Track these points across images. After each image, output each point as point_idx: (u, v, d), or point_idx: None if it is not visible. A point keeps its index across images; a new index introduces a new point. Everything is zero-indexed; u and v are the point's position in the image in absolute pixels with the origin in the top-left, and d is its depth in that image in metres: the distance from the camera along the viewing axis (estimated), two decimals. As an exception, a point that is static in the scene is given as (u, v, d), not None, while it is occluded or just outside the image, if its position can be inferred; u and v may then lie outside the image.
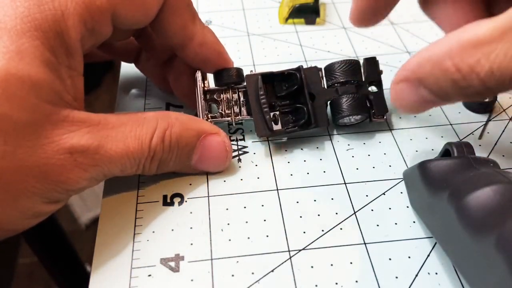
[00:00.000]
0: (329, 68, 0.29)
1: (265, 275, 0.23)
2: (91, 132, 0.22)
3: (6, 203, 0.20)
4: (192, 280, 0.23)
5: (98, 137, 0.22)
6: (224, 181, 0.27)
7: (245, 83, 0.29)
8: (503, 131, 0.30)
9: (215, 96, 0.29)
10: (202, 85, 0.28)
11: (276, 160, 0.28)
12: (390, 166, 0.28)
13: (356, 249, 0.24)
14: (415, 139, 0.29)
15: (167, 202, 0.26)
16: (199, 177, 0.27)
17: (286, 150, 0.29)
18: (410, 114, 0.27)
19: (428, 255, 0.24)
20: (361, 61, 0.30)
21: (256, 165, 0.28)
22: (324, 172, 0.28)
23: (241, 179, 0.27)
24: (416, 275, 0.23)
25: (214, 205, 0.26)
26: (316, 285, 0.22)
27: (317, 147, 0.29)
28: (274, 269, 0.23)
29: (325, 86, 0.29)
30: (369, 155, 0.29)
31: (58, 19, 0.21)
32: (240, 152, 0.29)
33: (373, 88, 0.30)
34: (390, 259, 0.23)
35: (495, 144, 0.29)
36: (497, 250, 0.18)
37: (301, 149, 0.29)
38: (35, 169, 0.20)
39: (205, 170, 0.27)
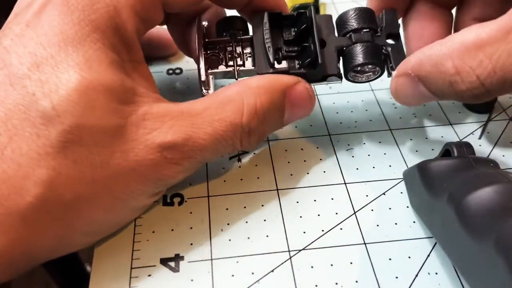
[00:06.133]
0: (342, 17, 0.27)
1: (265, 275, 0.23)
2: (175, 125, 0.21)
3: (118, 206, 0.22)
4: (192, 280, 0.23)
5: (183, 128, 0.22)
6: (224, 181, 0.27)
7: (250, 35, 0.27)
8: (503, 131, 0.30)
9: (217, 49, 0.27)
10: (203, 27, 0.26)
11: (276, 160, 0.28)
12: (390, 166, 0.28)
13: (356, 249, 0.24)
14: (415, 139, 0.29)
15: (167, 202, 0.26)
16: (199, 177, 0.27)
17: (286, 150, 0.29)
18: (408, 106, 0.27)
19: (428, 255, 0.24)
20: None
21: (256, 165, 0.28)
22: (324, 172, 0.28)
23: (241, 179, 0.27)
24: (416, 275, 0.23)
25: (214, 205, 0.26)
26: (316, 285, 0.22)
27: (317, 147, 0.29)
28: (274, 269, 0.23)
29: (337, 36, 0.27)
30: (369, 155, 0.29)
31: (113, 15, 0.21)
32: (240, 152, 0.29)
33: (390, 41, 0.27)
34: (390, 259, 0.23)
35: (495, 144, 0.29)
36: (496, 250, 0.18)
37: (301, 149, 0.29)
38: (132, 173, 0.21)
39: (295, 120, 0.26)
